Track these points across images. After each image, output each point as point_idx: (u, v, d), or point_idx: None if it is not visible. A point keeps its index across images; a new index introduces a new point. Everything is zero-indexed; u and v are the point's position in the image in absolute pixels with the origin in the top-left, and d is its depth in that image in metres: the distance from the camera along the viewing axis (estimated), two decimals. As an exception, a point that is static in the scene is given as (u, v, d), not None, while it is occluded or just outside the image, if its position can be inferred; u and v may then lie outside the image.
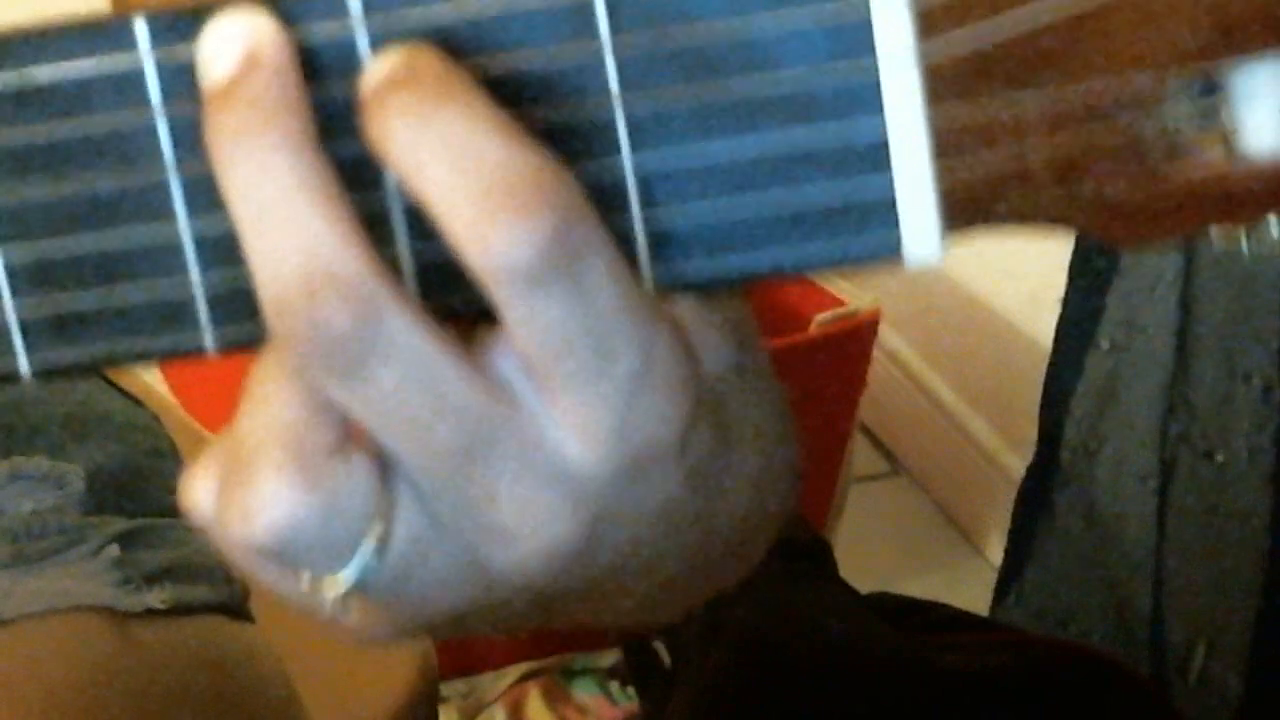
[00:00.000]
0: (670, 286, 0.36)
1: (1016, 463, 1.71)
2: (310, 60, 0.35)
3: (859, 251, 0.35)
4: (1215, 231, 0.36)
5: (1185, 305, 1.14)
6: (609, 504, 0.36)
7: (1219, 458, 1.13)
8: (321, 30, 0.35)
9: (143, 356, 0.37)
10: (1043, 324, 1.34)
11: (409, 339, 0.34)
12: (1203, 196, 0.35)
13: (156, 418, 0.78)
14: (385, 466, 0.36)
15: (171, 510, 0.73)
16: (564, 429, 0.35)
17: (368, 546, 0.36)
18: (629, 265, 0.35)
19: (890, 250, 0.35)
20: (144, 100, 0.35)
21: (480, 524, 0.36)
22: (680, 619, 0.46)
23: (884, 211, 0.35)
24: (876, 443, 2.08)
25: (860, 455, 1.93)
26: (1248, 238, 0.36)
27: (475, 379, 0.35)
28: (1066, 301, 1.28)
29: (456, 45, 0.34)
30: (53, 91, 0.35)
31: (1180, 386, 1.15)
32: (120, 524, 0.70)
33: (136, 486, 0.73)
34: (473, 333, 0.36)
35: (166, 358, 0.37)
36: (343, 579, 0.36)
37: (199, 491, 0.36)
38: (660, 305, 0.35)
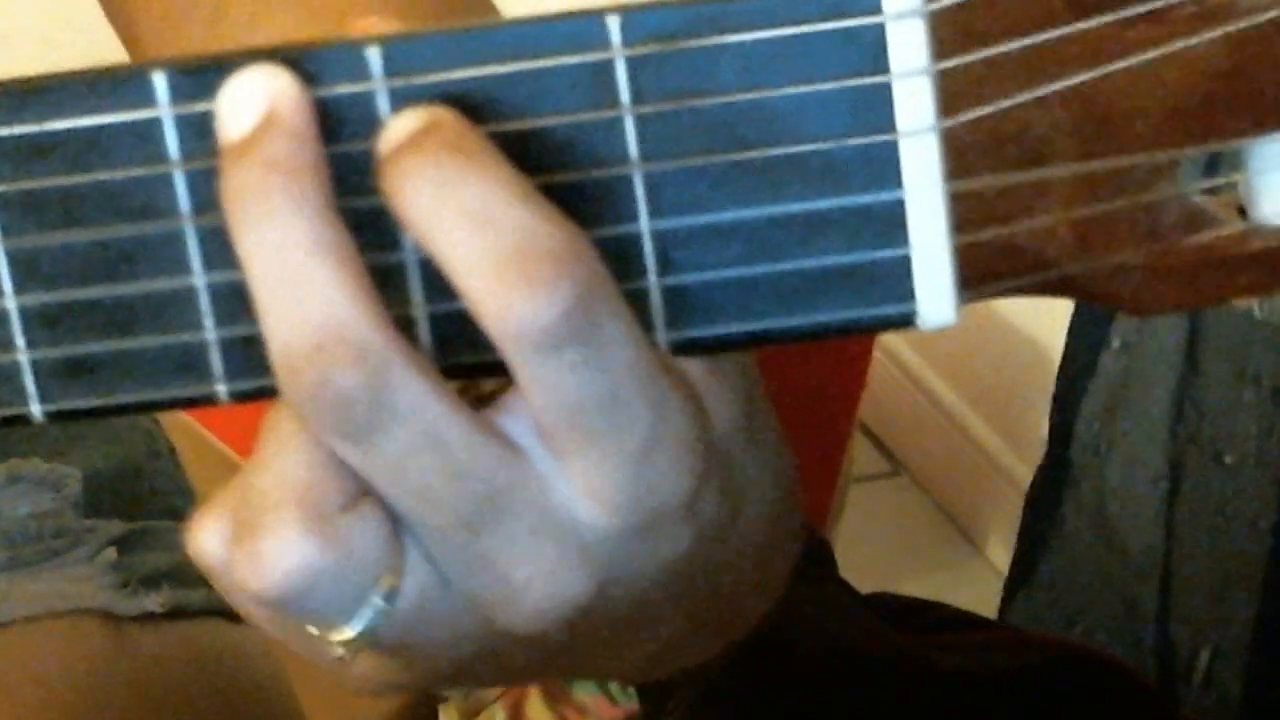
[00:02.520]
0: (683, 347, 0.36)
1: (1016, 463, 1.71)
2: (329, 117, 0.35)
3: (874, 317, 0.36)
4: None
5: (1183, 315, 1.14)
6: (618, 563, 0.36)
7: (1228, 460, 1.13)
8: (342, 90, 0.35)
9: (155, 404, 0.37)
10: (1043, 324, 1.34)
11: (419, 402, 0.34)
12: (1218, 267, 0.35)
13: (156, 420, 0.78)
14: (396, 521, 0.36)
15: (169, 513, 0.73)
16: (576, 490, 0.35)
17: (377, 600, 0.36)
18: (643, 327, 0.35)
19: (905, 317, 0.36)
20: (162, 153, 0.35)
21: (488, 581, 0.36)
22: (680, 673, 0.46)
23: (900, 279, 0.35)
24: (876, 443, 2.08)
25: (860, 455, 1.92)
26: (1259, 303, 0.36)
27: (486, 442, 0.35)
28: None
29: (476, 107, 0.35)
30: (70, 142, 0.36)
31: (1190, 388, 1.15)
32: (118, 527, 0.70)
33: (134, 489, 0.73)
34: (485, 391, 0.36)
35: (179, 406, 0.37)
36: (350, 631, 0.36)
37: (208, 537, 0.36)
38: (673, 366, 0.36)
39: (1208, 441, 1.15)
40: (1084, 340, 1.27)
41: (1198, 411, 1.15)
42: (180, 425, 0.84)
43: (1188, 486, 1.17)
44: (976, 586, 1.56)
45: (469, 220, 0.33)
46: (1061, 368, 1.30)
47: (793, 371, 1.73)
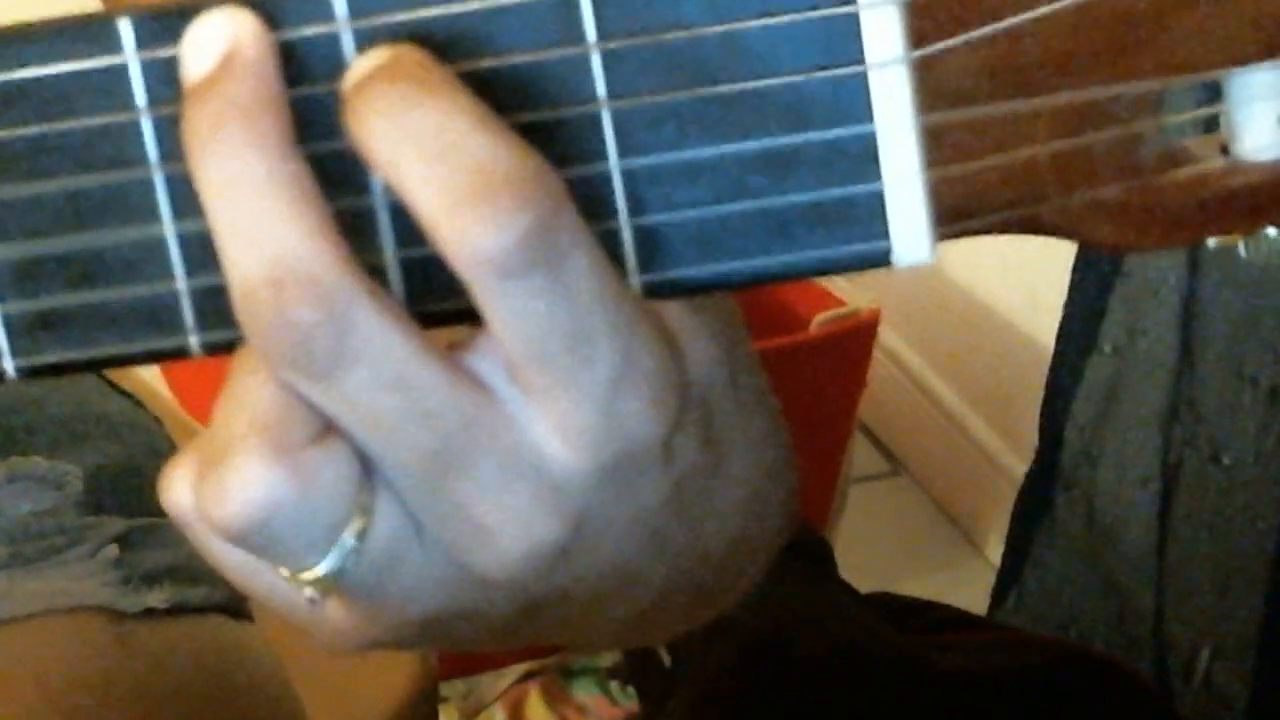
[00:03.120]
0: (658, 289, 0.36)
1: (1016, 463, 1.72)
2: (295, 61, 0.35)
3: (848, 255, 0.35)
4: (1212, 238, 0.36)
5: (1189, 308, 1.14)
6: (592, 505, 0.36)
7: (1225, 460, 1.13)
8: (308, 32, 0.35)
9: (128, 358, 0.37)
10: (1043, 324, 1.34)
11: (381, 339, 0.34)
12: (1200, 204, 0.34)
13: (157, 419, 0.78)
14: (366, 462, 0.36)
15: (170, 510, 0.73)
16: (544, 428, 0.35)
17: (347, 540, 0.36)
18: (615, 266, 0.35)
19: (880, 254, 0.35)
20: (129, 101, 0.35)
21: (460, 523, 0.35)
22: (673, 639, 0.46)
23: (873, 215, 0.35)
24: (876, 443, 2.08)
25: (860, 455, 1.93)
26: (1245, 244, 0.36)
27: (453, 380, 0.35)
28: (1069, 304, 1.28)
29: (443, 46, 0.34)
30: (36, 91, 0.35)
31: (1186, 390, 1.15)
32: (119, 524, 0.70)
33: (135, 487, 0.73)
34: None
35: (152, 358, 0.37)
36: (321, 569, 0.36)
37: (177, 487, 0.36)
38: (644, 305, 0.35)
39: (1205, 443, 1.15)
40: (1073, 345, 1.27)
41: (1194, 413, 1.16)
42: (181, 424, 0.84)
43: (1185, 488, 1.17)
44: (976, 586, 1.56)
45: (429, 148, 0.33)
46: (1051, 373, 1.30)
47: (793, 371, 1.73)
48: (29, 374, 0.37)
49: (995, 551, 1.76)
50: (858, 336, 1.71)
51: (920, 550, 1.92)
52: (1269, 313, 1.08)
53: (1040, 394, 1.32)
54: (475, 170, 0.33)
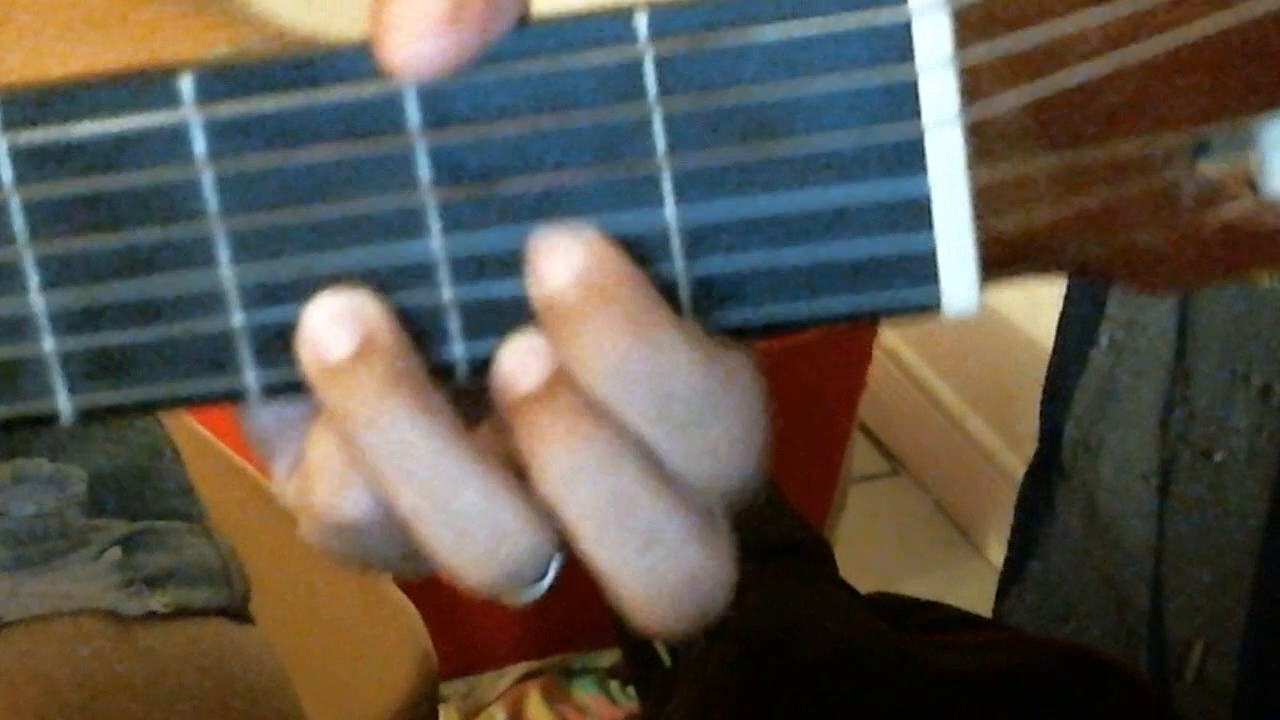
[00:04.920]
0: (711, 333, 0.36)
1: (1016, 462, 1.72)
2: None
3: (899, 304, 0.36)
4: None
5: (1185, 304, 1.14)
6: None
7: (1218, 457, 1.13)
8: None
9: (185, 400, 0.37)
10: (1043, 324, 1.34)
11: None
12: (1234, 243, 0.35)
13: (159, 422, 0.78)
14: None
15: (173, 514, 0.73)
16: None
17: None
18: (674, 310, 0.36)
19: (930, 303, 0.36)
20: (188, 154, 0.36)
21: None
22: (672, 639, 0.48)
23: (925, 267, 0.36)
24: (876, 443, 2.09)
25: (860, 455, 1.93)
26: (1273, 279, 0.37)
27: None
28: (1067, 299, 1.28)
29: (506, 103, 0.35)
30: (95, 145, 0.36)
31: (1180, 386, 1.16)
32: (122, 527, 0.70)
33: (138, 490, 0.73)
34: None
35: (209, 401, 0.38)
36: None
37: None
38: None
39: (1198, 439, 1.15)
40: (1072, 340, 1.27)
41: (1188, 410, 1.16)
42: (183, 427, 0.84)
43: (1178, 484, 1.17)
44: (976, 586, 1.57)
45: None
46: (1050, 367, 1.30)
47: (793, 371, 1.73)
48: (86, 417, 0.37)
49: (995, 551, 1.76)
50: (858, 337, 1.71)
51: (920, 550, 1.92)
52: (1263, 311, 1.09)
53: (1040, 393, 1.33)
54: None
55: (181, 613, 0.69)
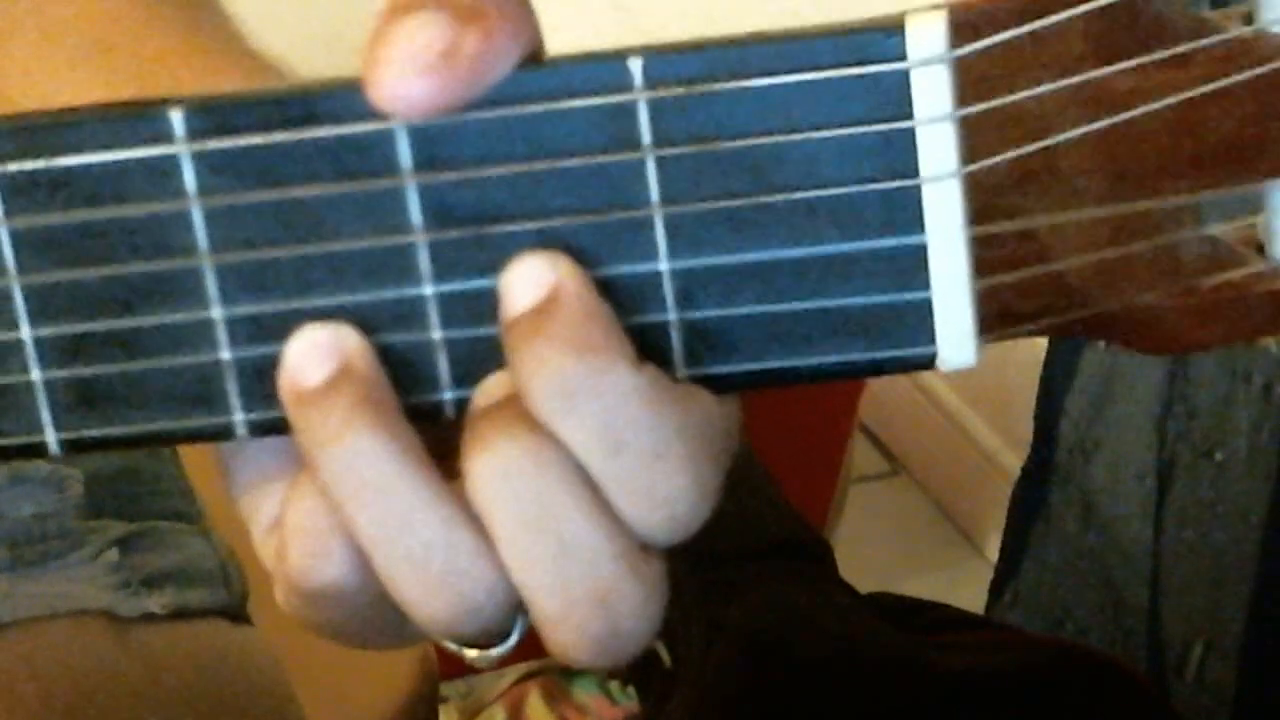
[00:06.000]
0: (703, 383, 0.36)
1: (1016, 463, 1.71)
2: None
3: (894, 359, 0.36)
4: None
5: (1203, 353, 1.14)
6: None
7: (1219, 456, 1.13)
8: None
9: (171, 435, 0.37)
10: (1042, 324, 1.34)
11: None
12: (1239, 306, 0.35)
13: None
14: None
15: (170, 515, 0.73)
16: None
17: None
18: (663, 362, 0.36)
19: (926, 358, 0.36)
20: (178, 189, 0.36)
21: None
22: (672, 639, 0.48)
23: (921, 322, 0.35)
24: (876, 443, 2.08)
25: (860, 455, 1.93)
26: (1277, 341, 0.37)
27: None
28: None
29: (502, 150, 0.35)
30: (85, 177, 0.36)
31: (1180, 386, 1.15)
32: (119, 528, 0.70)
33: (135, 491, 0.73)
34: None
35: (196, 438, 0.37)
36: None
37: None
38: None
39: (1199, 439, 1.15)
40: (1067, 341, 1.27)
41: (1188, 409, 1.16)
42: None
43: (1178, 483, 1.17)
44: (976, 586, 1.56)
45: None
46: (1045, 368, 1.30)
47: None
48: (72, 448, 0.37)
49: (995, 551, 1.76)
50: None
51: (920, 550, 1.92)
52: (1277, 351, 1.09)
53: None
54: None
55: (180, 613, 0.69)
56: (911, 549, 1.92)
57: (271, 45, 0.53)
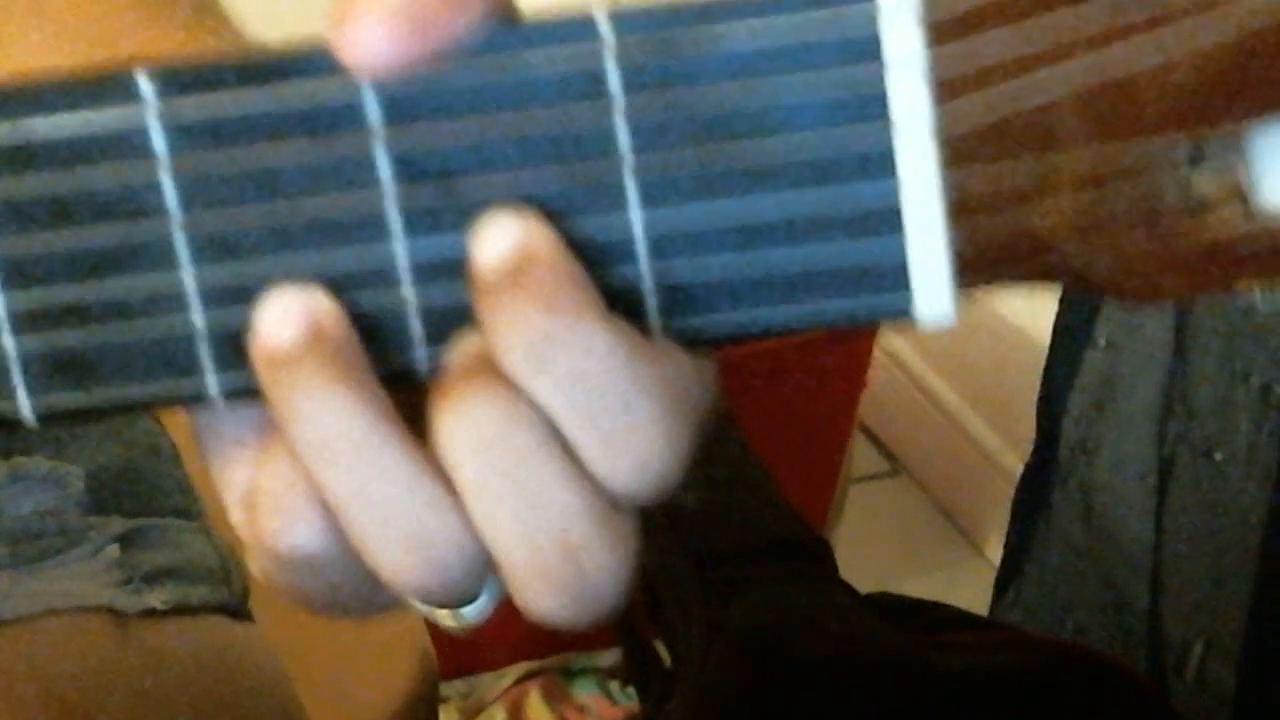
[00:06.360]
0: (679, 339, 0.36)
1: (1016, 463, 1.71)
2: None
3: (870, 312, 0.36)
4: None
5: (1183, 304, 1.14)
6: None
7: (1218, 456, 1.13)
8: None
9: (147, 402, 0.37)
10: (1042, 324, 1.34)
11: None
12: (1220, 254, 0.35)
13: (157, 419, 0.78)
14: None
15: (171, 511, 0.73)
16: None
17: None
18: (637, 317, 0.36)
19: (902, 311, 0.35)
20: (148, 154, 0.35)
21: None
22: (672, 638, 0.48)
23: (896, 274, 0.35)
24: (876, 443, 2.09)
25: (860, 455, 1.93)
26: (1262, 292, 0.36)
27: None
28: (1062, 299, 1.28)
29: (468, 103, 0.35)
30: (54, 144, 0.36)
31: (1179, 385, 1.15)
32: (120, 524, 0.70)
33: (136, 487, 0.73)
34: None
35: (171, 404, 0.37)
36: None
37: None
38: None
39: (1198, 439, 1.15)
40: (1069, 339, 1.27)
41: (1187, 409, 1.16)
42: (181, 424, 0.84)
43: (1178, 483, 1.17)
44: (976, 586, 1.56)
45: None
46: (1047, 367, 1.30)
47: (793, 371, 1.73)
48: (47, 419, 0.37)
49: (995, 551, 1.76)
50: (858, 337, 1.71)
51: (920, 550, 1.92)
52: (1263, 309, 1.09)
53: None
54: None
55: (180, 610, 0.69)
56: (911, 549, 1.92)
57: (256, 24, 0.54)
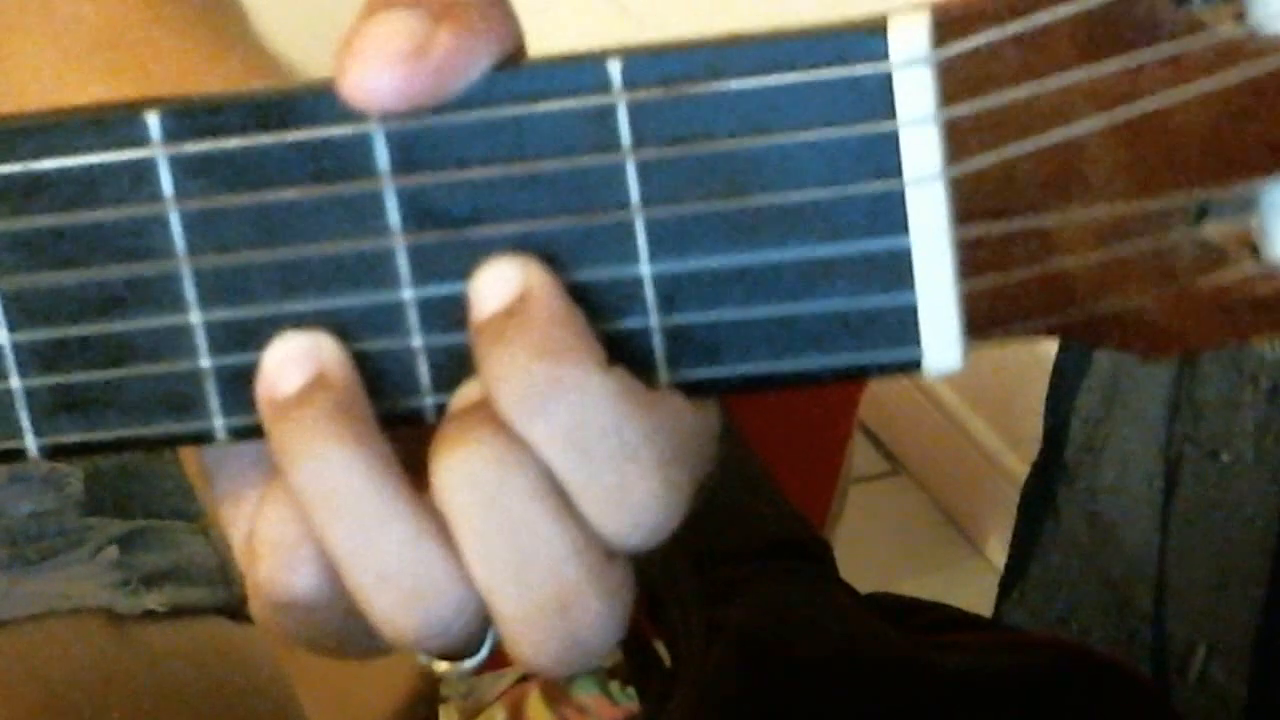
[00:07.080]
0: (686, 389, 0.36)
1: (1016, 463, 1.72)
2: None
3: (879, 363, 0.35)
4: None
5: (1192, 359, 1.14)
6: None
7: (1224, 457, 1.13)
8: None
9: (152, 440, 0.37)
10: (1043, 324, 1.34)
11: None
12: (1232, 309, 0.34)
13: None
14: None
15: (170, 513, 0.73)
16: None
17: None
18: (645, 366, 0.35)
19: (911, 362, 0.35)
20: (155, 193, 0.35)
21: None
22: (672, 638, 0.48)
23: (906, 326, 0.35)
24: (876, 443, 2.08)
25: (860, 455, 1.92)
26: (1272, 344, 0.36)
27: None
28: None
29: (480, 152, 0.35)
30: (61, 181, 0.35)
31: (1187, 386, 1.15)
32: (119, 526, 0.70)
33: (135, 489, 0.73)
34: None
35: (176, 442, 0.37)
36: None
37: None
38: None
39: (1205, 440, 1.15)
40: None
41: (1195, 410, 1.15)
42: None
43: (1184, 484, 1.17)
44: (976, 586, 1.56)
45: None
46: (1055, 367, 1.30)
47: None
48: (51, 453, 0.37)
49: (995, 551, 1.76)
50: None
51: (920, 550, 1.92)
52: (1270, 357, 1.08)
53: (1041, 394, 1.32)
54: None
55: (179, 611, 0.69)
56: (911, 549, 1.92)
57: (273, 44, 0.53)
